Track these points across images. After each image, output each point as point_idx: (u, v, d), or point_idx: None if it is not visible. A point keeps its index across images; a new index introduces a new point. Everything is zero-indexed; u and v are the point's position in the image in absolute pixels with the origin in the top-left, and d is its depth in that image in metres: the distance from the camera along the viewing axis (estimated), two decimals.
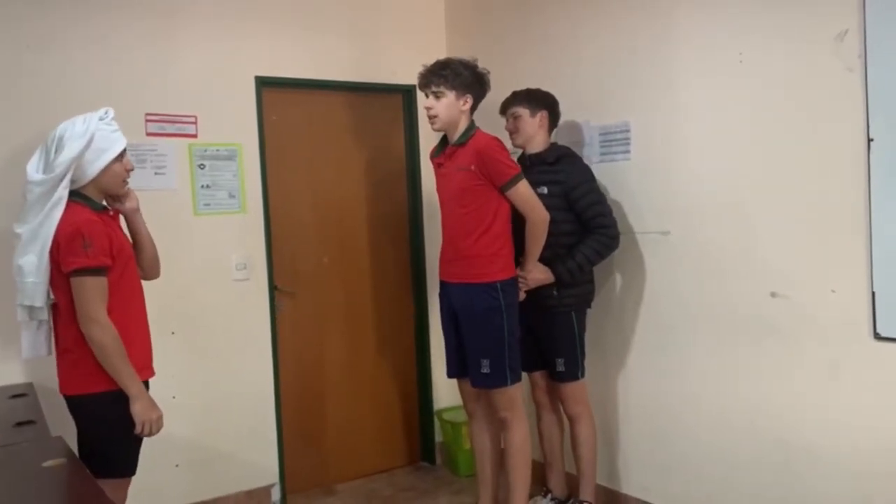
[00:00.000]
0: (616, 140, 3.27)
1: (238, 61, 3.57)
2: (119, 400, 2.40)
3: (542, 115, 3.18)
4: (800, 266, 2.63)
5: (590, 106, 3.36)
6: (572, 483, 3.38)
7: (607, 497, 3.42)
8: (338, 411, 3.97)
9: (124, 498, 2.55)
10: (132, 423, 2.41)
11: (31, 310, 2.45)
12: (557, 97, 3.25)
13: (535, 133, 3.19)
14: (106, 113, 2.45)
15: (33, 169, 2.39)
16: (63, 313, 2.41)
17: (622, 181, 3.25)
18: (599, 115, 3.33)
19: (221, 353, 3.54)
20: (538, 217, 2.97)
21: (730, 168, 2.83)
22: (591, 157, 3.36)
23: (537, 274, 3.06)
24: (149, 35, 3.34)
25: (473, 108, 3.06)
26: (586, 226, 3.10)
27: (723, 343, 2.90)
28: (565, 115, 3.36)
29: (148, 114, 3.33)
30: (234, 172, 3.57)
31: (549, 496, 3.44)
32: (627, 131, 3.21)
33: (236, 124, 3.58)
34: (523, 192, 2.94)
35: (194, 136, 3.46)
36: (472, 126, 3.03)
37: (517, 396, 3.07)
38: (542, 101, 3.19)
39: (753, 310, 2.78)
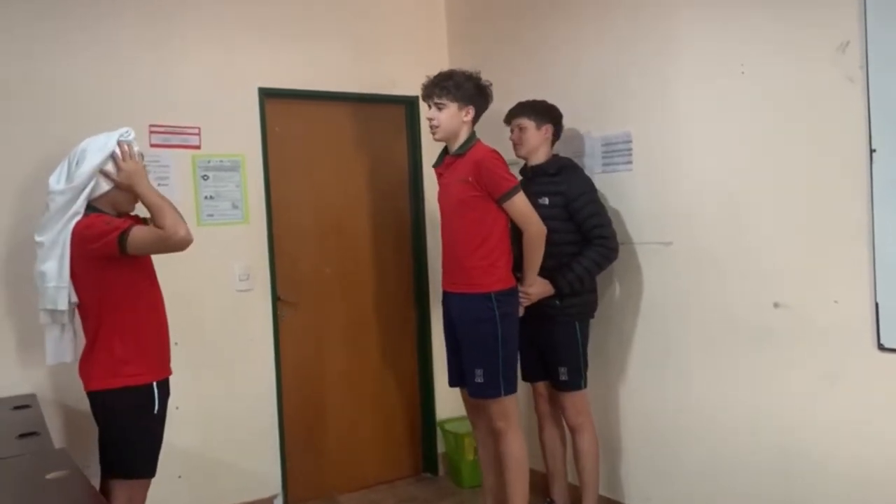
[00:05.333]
0: (618, 150, 3.28)
1: (241, 72, 3.58)
2: (139, 397, 2.50)
3: (546, 128, 3.20)
4: (802, 276, 2.63)
5: (591, 116, 3.37)
6: (575, 494, 3.37)
7: None
8: (340, 421, 3.96)
9: (143, 501, 2.60)
10: (153, 422, 2.53)
11: (52, 313, 2.55)
12: (559, 107, 3.26)
13: (539, 145, 3.20)
14: (127, 132, 2.57)
15: (55, 180, 2.51)
16: (86, 311, 2.52)
17: (624, 191, 3.26)
18: (601, 125, 3.34)
19: (224, 364, 3.54)
20: (535, 231, 2.97)
21: (732, 178, 2.84)
22: (594, 167, 3.37)
23: (538, 288, 3.07)
24: (152, 47, 3.36)
25: (476, 120, 3.08)
26: (586, 237, 3.11)
27: (725, 353, 2.90)
28: (567, 125, 3.37)
29: (151, 125, 3.34)
30: (237, 183, 3.57)
31: None
32: (629, 141, 3.22)
33: (239, 135, 3.59)
34: (520, 205, 2.94)
35: (197, 147, 3.47)
36: (472, 137, 3.05)
37: (512, 407, 3.05)
38: (548, 115, 3.20)
39: (756, 320, 2.78)
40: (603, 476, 3.39)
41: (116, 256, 2.42)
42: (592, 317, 3.27)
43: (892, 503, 2.42)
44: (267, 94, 3.67)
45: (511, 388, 3.02)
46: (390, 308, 4.13)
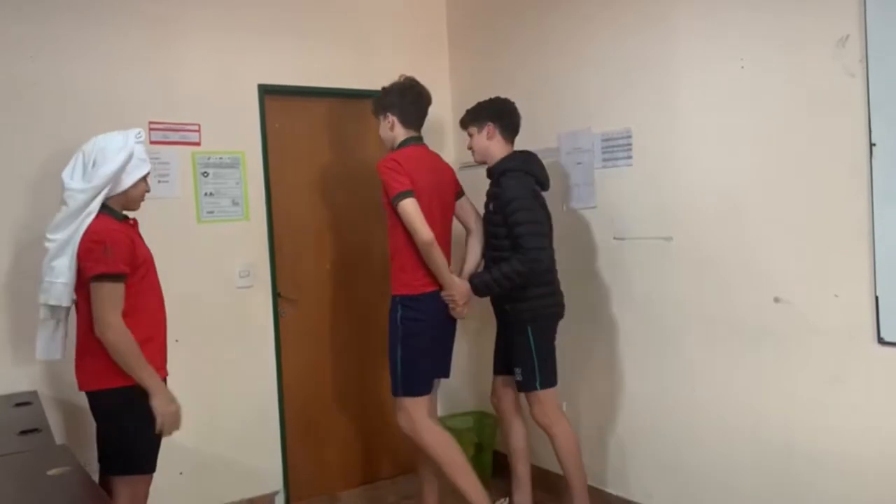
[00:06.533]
0: (618, 146, 3.27)
1: (241, 69, 3.58)
2: (136, 395, 2.48)
3: (488, 128, 3.16)
4: (802, 271, 2.63)
5: (592, 112, 3.37)
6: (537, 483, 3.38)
7: (612, 502, 3.42)
8: (341, 418, 3.97)
9: (146, 496, 2.61)
10: (150, 419, 2.49)
11: (53, 309, 2.54)
12: (559, 103, 3.24)
13: (486, 147, 3.18)
14: (139, 134, 2.57)
15: (68, 176, 2.49)
16: (83, 314, 2.50)
17: (624, 187, 3.26)
18: (601, 121, 3.34)
19: (225, 361, 3.54)
20: (418, 240, 2.97)
21: (732, 173, 2.84)
22: (594, 163, 3.37)
23: (457, 289, 3.09)
24: (152, 44, 3.36)
25: (410, 123, 3.15)
26: (513, 245, 3.06)
27: (725, 348, 2.90)
28: (568, 121, 3.38)
29: (151, 122, 3.34)
30: (238, 180, 3.58)
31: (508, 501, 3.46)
32: (629, 137, 3.22)
33: (239, 132, 3.59)
34: (404, 212, 2.96)
35: (197, 144, 3.47)
36: (400, 144, 3.14)
37: (411, 407, 3.08)
38: (485, 114, 3.18)
39: (756, 315, 2.78)
40: (605, 472, 3.41)
41: (83, 278, 2.44)
42: (554, 320, 3.21)
43: (892, 496, 2.42)
44: (267, 91, 3.67)
45: (409, 391, 3.08)
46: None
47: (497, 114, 3.17)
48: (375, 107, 3.20)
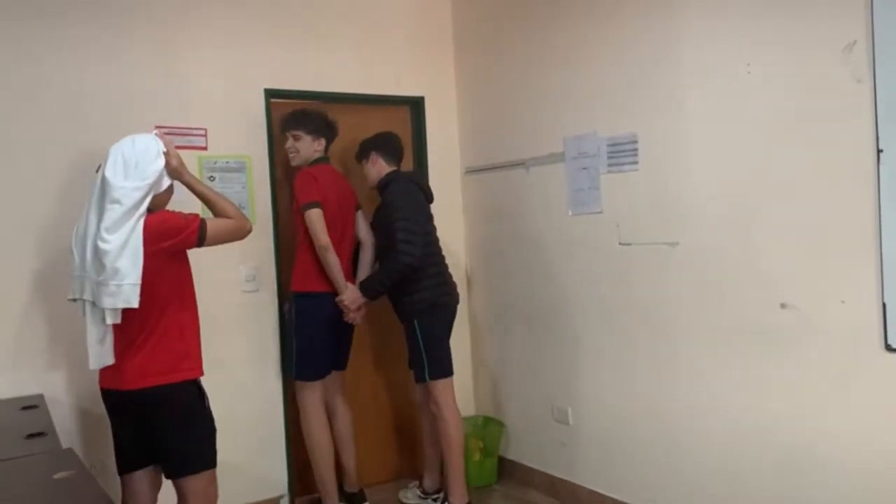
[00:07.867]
0: (624, 150, 3.27)
1: (247, 74, 3.59)
2: (195, 387, 2.57)
3: (372, 158, 3.58)
4: (809, 277, 2.62)
5: (598, 116, 3.37)
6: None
7: None
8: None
9: (217, 490, 2.63)
10: (209, 411, 2.62)
11: (116, 312, 2.40)
12: (565, 107, 3.26)
13: (374, 173, 3.59)
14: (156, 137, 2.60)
15: (112, 173, 2.40)
16: (142, 306, 2.40)
17: (630, 192, 3.25)
18: (607, 125, 3.33)
19: (231, 364, 3.54)
20: (316, 243, 3.37)
21: (738, 178, 2.83)
22: (599, 167, 3.37)
23: (347, 295, 3.42)
24: (159, 48, 3.37)
25: (327, 148, 3.57)
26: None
27: (731, 354, 2.89)
28: (574, 125, 3.37)
29: (158, 126, 3.33)
30: (244, 184, 3.58)
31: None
32: (635, 142, 3.21)
33: (245, 136, 3.60)
34: (309, 219, 3.35)
35: (204, 148, 3.48)
36: (314, 161, 3.50)
37: (301, 392, 3.50)
38: (368, 147, 3.61)
39: (762, 321, 2.77)
40: (608, 476, 3.40)
41: (189, 248, 2.50)
42: (439, 313, 3.49)
43: None
44: (273, 96, 3.68)
45: (301, 376, 3.47)
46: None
47: (377, 145, 3.59)
48: (312, 127, 3.49)
